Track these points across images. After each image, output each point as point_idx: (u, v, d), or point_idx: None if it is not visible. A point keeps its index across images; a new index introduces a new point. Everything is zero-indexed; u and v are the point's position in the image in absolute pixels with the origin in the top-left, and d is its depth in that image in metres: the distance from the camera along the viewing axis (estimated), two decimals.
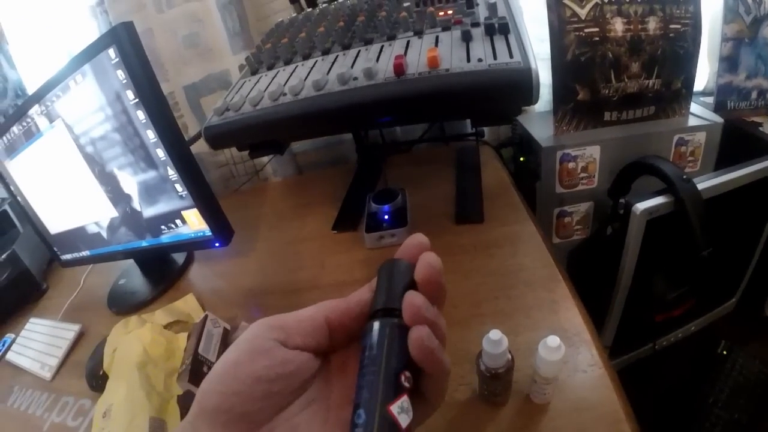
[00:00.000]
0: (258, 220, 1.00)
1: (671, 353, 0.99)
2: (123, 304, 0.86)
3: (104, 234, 0.86)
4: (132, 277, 0.93)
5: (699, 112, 1.02)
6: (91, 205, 0.83)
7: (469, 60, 0.53)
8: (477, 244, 0.75)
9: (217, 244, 0.78)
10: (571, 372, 0.51)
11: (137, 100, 0.66)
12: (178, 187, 0.73)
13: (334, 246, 0.84)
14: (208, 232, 0.77)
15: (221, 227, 0.77)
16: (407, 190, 0.84)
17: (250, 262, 0.88)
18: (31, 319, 0.92)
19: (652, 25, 0.91)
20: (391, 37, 0.63)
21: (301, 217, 0.97)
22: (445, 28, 0.61)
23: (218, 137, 0.64)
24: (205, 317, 0.65)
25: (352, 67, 0.58)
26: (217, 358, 0.61)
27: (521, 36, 0.56)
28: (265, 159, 1.14)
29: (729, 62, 0.99)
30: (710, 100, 1.04)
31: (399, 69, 0.53)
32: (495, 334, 0.43)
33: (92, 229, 0.87)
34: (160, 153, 0.70)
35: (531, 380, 0.47)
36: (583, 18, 0.89)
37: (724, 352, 0.99)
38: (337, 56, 0.63)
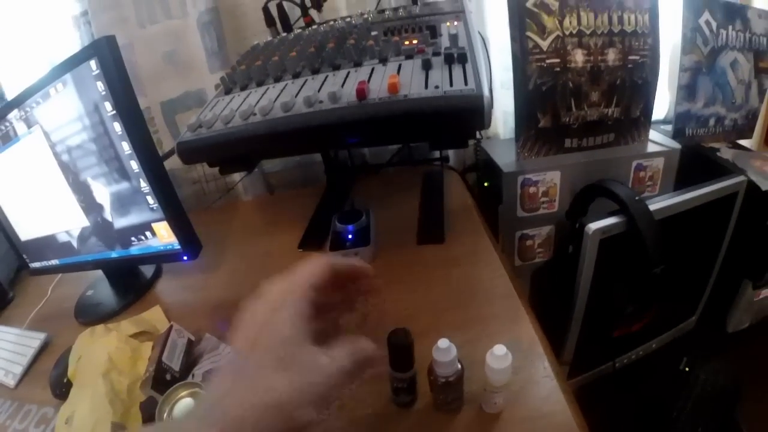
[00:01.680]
0: (227, 236, 1.02)
1: (633, 371, 1.02)
2: (90, 315, 0.86)
3: (74, 243, 0.87)
4: (100, 288, 0.93)
5: (658, 139, 1.08)
6: (63, 214, 0.84)
7: (426, 86, 0.57)
8: (437, 262, 0.78)
9: (185, 258, 0.80)
10: (524, 383, 0.53)
11: (114, 112, 0.68)
12: (150, 200, 0.74)
13: (298, 263, 0.86)
14: (177, 245, 0.79)
15: (190, 241, 0.79)
16: (373, 211, 0.87)
17: (217, 276, 0.89)
18: None
19: (612, 56, 0.97)
20: (358, 64, 0.66)
21: (269, 235, 0.99)
22: (408, 56, 0.65)
23: (190, 152, 0.66)
24: (170, 327, 0.66)
25: (318, 90, 0.61)
26: (181, 367, 0.63)
27: (477, 65, 0.60)
28: (237, 177, 1.16)
29: (687, 91, 1.06)
30: (669, 127, 1.09)
31: (361, 94, 0.56)
32: (443, 342, 0.45)
33: (63, 237, 0.88)
34: (134, 165, 0.71)
35: (482, 390, 0.50)
36: (545, 49, 0.94)
37: (686, 369, 1.02)
38: (306, 80, 0.66)
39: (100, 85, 0.67)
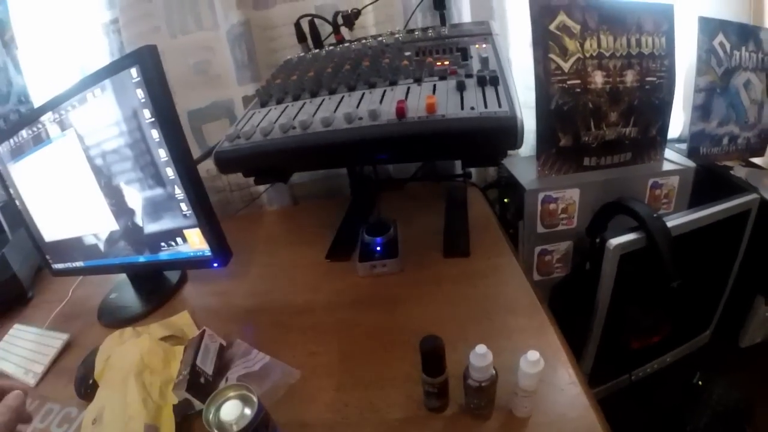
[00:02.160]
0: (253, 245, 1.04)
1: (648, 384, 1.04)
2: (114, 318, 0.88)
3: (101, 246, 0.89)
4: (124, 292, 0.95)
5: (673, 158, 1.11)
6: (92, 217, 0.86)
7: (462, 107, 0.59)
8: (463, 275, 0.80)
9: (215, 264, 0.81)
10: (550, 390, 0.55)
11: (153, 119, 0.70)
12: (184, 207, 0.76)
13: (326, 273, 0.88)
14: (208, 252, 0.81)
15: (221, 248, 0.81)
16: (398, 224, 0.90)
17: (244, 283, 0.91)
18: (16, 325, 0.92)
19: (630, 77, 1.00)
20: (393, 83, 0.68)
21: (294, 245, 1.01)
22: (442, 78, 0.68)
23: (228, 162, 0.68)
24: (203, 331, 0.68)
25: (357, 107, 0.64)
26: (214, 371, 0.64)
27: (509, 88, 0.63)
28: (262, 188, 1.18)
29: (702, 111, 1.09)
30: (684, 146, 1.12)
31: (401, 112, 0.58)
32: (481, 348, 0.48)
33: (90, 240, 0.90)
34: (170, 172, 0.74)
35: (512, 394, 0.52)
36: (566, 71, 0.97)
37: (700, 383, 1.04)
38: (342, 96, 0.69)
39: (140, 93, 0.69)
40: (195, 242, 0.81)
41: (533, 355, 0.48)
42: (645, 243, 0.82)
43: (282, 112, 0.70)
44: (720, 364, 1.12)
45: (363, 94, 0.68)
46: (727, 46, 1.07)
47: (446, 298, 0.75)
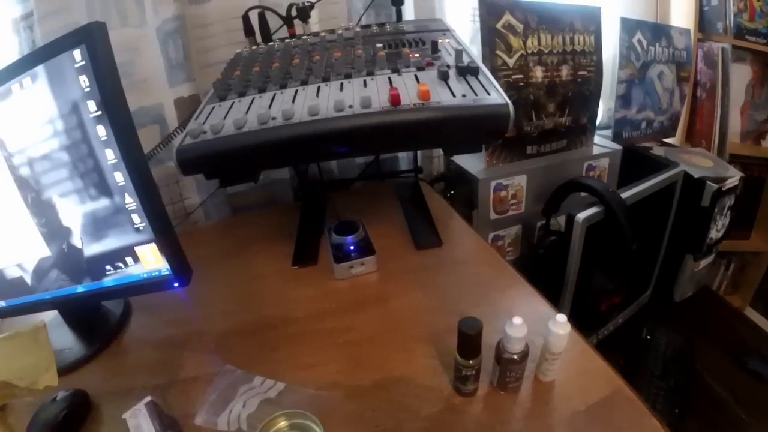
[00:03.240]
0: (203, 262, 0.90)
1: (606, 344, 1.14)
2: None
3: (28, 279, 0.74)
4: (58, 332, 0.78)
5: (601, 142, 1.23)
6: (16, 242, 0.71)
7: (454, 95, 0.59)
8: (441, 264, 0.81)
9: (176, 284, 0.70)
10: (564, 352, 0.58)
11: (100, 112, 0.58)
12: (136, 218, 0.66)
13: (296, 281, 0.83)
14: (166, 271, 0.69)
15: (182, 264, 0.70)
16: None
17: (206, 306, 0.79)
18: None
19: (565, 72, 1.09)
20: (371, 73, 0.66)
21: (251, 257, 0.92)
22: (420, 68, 0.67)
23: (193, 160, 0.60)
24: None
25: (343, 95, 0.60)
26: None
27: (489, 77, 0.64)
28: (197, 200, 1.08)
29: (623, 100, 1.23)
30: (608, 132, 1.25)
31: (395, 99, 0.57)
32: (517, 319, 0.49)
33: (12, 273, 0.74)
34: (119, 177, 0.62)
35: (541, 359, 0.55)
36: (511, 66, 1.03)
37: (648, 336, 1.18)
38: (318, 87, 0.65)
39: (84, 80, 0.57)
40: (149, 261, 0.70)
41: (561, 317, 0.51)
42: (604, 214, 0.91)
43: (250, 104, 0.64)
44: (661, 317, 1.27)
45: (341, 83, 0.65)
46: (644, 43, 1.21)
47: (434, 288, 0.75)
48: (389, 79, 0.64)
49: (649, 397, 1.01)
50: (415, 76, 0.65)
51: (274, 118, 0.59)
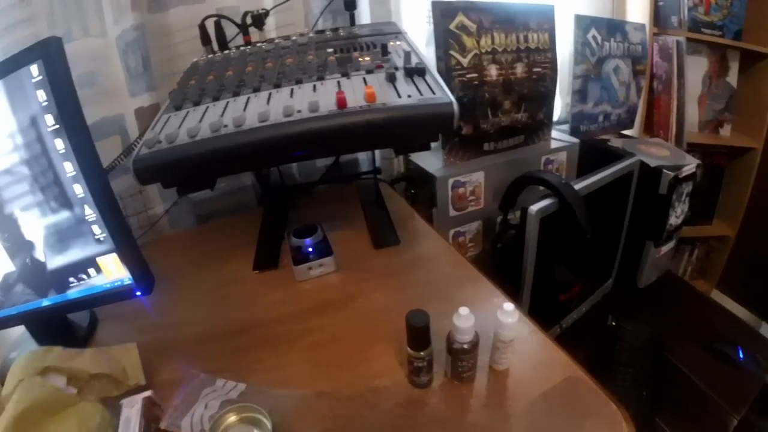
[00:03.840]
0: (169, 271, 0.90)
1: (572, 334, 1.17)
2: None
3: None
4: (26, 348, 0.76)
5: (559, 137, 1.27)
6: None
7: (399, 96, 0.61)
8: (401, 263, 0.83)
9: (138, 293, 0.71)
10: (517, 342, 0.59)
11: (58, 126, 0.60)
12: (96, 229, 0.67)
13: (259, 286, 0.84)
14: (128, 280, 0.71)
15: (143, 273, 0.71)
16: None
17: (172, 315, 0.80)
18: None
19: (520, 69, 1.13)
20: (321, 78, 0.68)
21: (216, 263, 0.93)
22: (369, 71, 0.69)
23: (149, 170, 0.62)
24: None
25: (292, 101, 0.62)
26: None
27: (436, 77, 0.67)
28: (162, 210, 1.09)
29: (580, 95, 1.27)
30: (566, 127, 1.29)
31: (342, 102, 0.59)
32: (464, 310, 0.52)
33: None
34: (78, 189, 0.63)
35: (493, 349, 0.57)
36: (465, 66, 1.05)
37: (614, 324, 1.21)
38: (270, 93, 0.67)
39: (42, 95, 0.59)
40: (111, 271, 0.71)
41: (508, 306, 0.54)
42: (559, 205, 0.94)
43: (204, 112, 0.66)
44: (626, 305, 1.30)
45: (292, 89, 0.67)
46: (599, 38, 1.26)
47: (393, 286, 0.77)
48: (338, 83, 0.67)
49: (617, 383, 1.04)
50: (364, 79, 0.67)
51: (225, 126, 0.61)
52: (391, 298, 0.74)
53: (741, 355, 1.13)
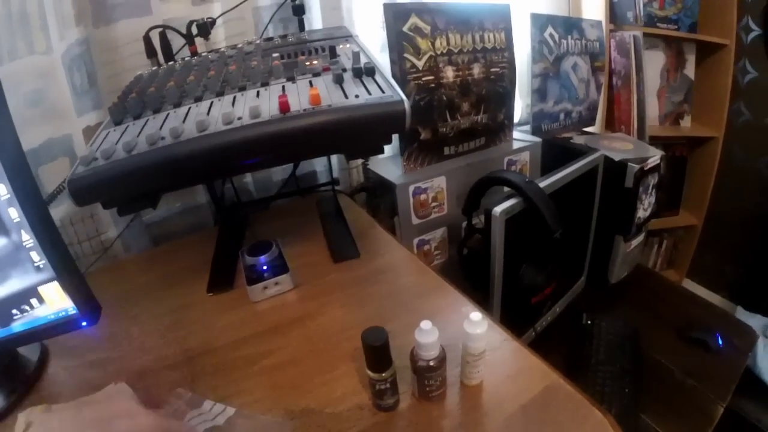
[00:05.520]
0: (122, 299, 0.87)
1: (547, 336, 1.15)
2: None
3: None
4: None
5: (521, 137, 1.26)
6: None
7: (347, 97, 0.59)
8: (361, 277, 0.80)
9: (84, 323, 0.66)
10: (490, 353, 0.56)
11: None
12: (35, 256, 0.62)
13: (215, 309, 0.79)
14: (73, 310, 0.66)
15: (88, 301, 0.67)
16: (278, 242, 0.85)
17: (125, 344, 0.75)
18: None
19: (477, 70, 1.12)
20: (265, 84, 0.66)
21: (169, 287, 0.87)
22: (316, 75, 0.67)
23: (86, 189, 0.58)
24: None
25: (233, 108, 0.60)
26: None
27: (386, 76, 0.65)
28: (114, 234, 1.04)
29: (539, 93, 1.27)
30: (528, 127, 1.29)
31: (285, 107, 0.56)
32: (426, 324, 0.47)
33: None
34: (13, 213, 0.59)
35: (463, 363, 0.53)
36: (420, 68, 1.04)
37: (589, 322, 1.19)
38: (212, 102, 0.64)
39: None
40: (54, 300, 0.66)
41: (476, 315, 0.50)
42: (524, 205, 0.91)
43: (143, 126, 0.62)
44: (600, 302, 1.29)
45: (234, 97, 0.64)
46: (556, 37, 1.27)
47: (354, 301, 0.74)
48: (283, 87, 0.64)
49: (597, 382, 1.02)
50: (310, 82, 0.65)
51: (163, 138, 0.57)
52: (352, 314, 0.71)
53: (720, 341, 1.12)
